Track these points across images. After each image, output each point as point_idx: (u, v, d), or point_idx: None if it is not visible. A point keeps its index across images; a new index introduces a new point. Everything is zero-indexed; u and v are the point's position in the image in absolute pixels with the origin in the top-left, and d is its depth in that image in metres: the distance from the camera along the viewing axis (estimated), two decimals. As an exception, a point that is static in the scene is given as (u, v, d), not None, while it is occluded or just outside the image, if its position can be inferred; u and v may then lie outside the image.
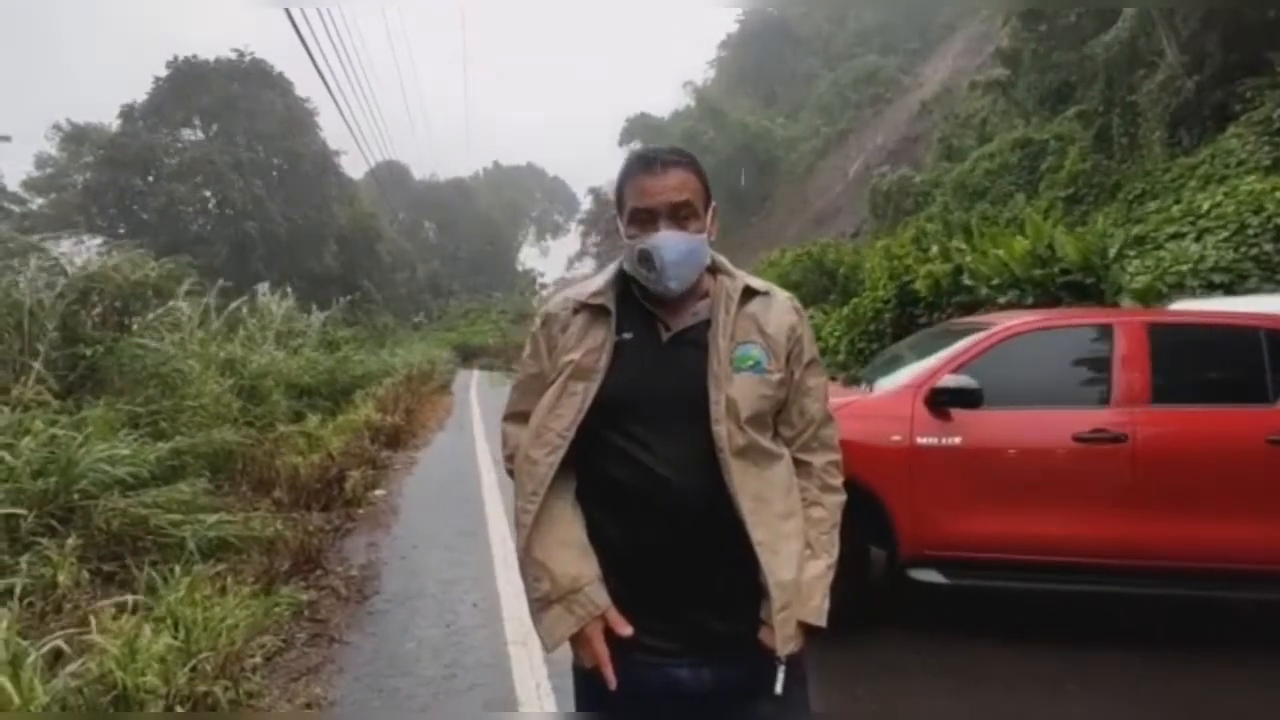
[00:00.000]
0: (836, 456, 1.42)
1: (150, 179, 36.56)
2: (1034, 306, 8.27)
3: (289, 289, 14.77)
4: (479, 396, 17.91)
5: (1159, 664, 3.23)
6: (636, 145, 53.99)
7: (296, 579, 4.20)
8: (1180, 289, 8.47)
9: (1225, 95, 13.47)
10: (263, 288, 13.39)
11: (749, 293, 1.37)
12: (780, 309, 1.38)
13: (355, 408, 10.38)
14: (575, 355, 1.33)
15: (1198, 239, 9.07)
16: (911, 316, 10.14)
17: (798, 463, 1.38)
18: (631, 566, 1.30)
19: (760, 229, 39.12)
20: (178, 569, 3.65)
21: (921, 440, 3.42)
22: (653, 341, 1.35)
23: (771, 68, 49.03)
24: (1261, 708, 2.93)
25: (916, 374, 3.66)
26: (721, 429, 1.26)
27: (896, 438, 3.44)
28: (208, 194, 37.81)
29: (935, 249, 10.50)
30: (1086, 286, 8.46)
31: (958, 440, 3.40)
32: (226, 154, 37.60)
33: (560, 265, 69.54)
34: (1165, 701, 2.96)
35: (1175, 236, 9.30)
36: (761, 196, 41.84)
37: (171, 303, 8.64)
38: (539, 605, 1.32)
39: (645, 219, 1.31)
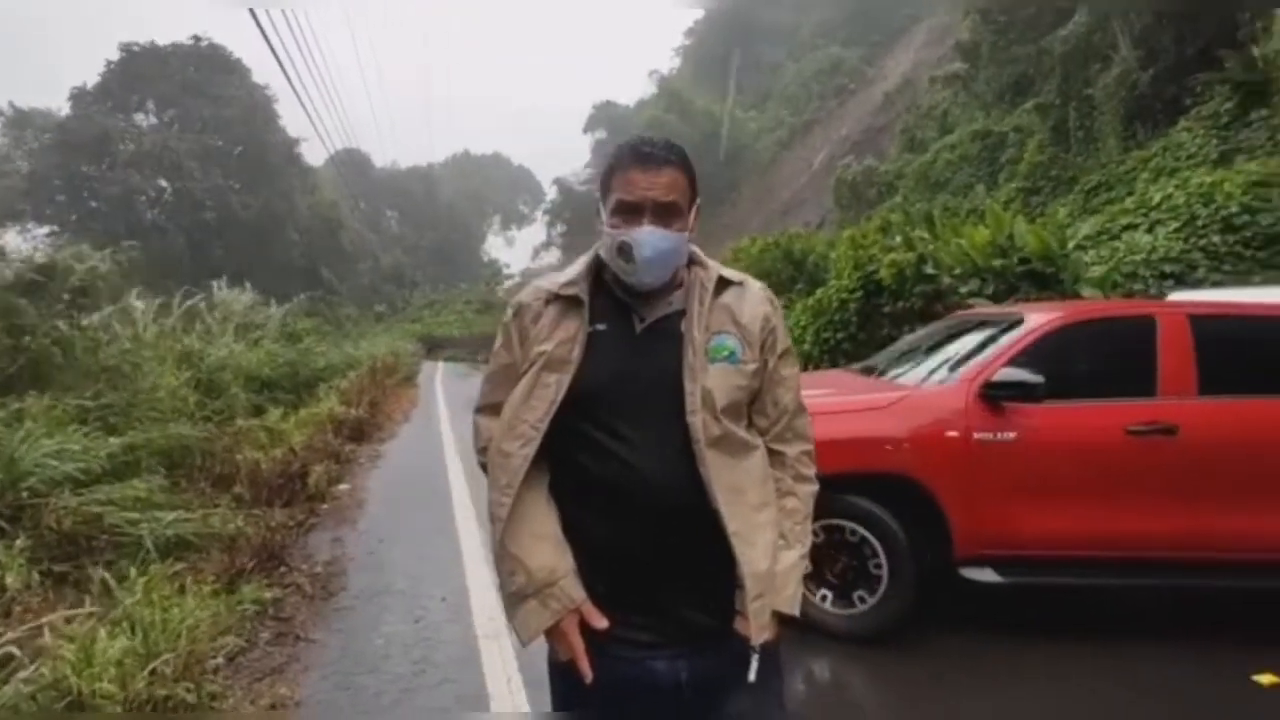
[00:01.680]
0: (809, 446, 1.42)
1: (104, 166, 35.31)
2: (994, 296, 8.43)
3: (248, 283, 14.42)
4: (444, 388, 17.73)
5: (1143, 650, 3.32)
6: (601, 134, 53.77)
7: (259, 576, 4.10)
8: (1134, 279, 8.72)
9: (1177, 90, 13.83)
10: (220, 283, 13.05)
11: (723, 283, 1.37)
12: (754, 299, 1.38)
13: (318, 401, 10.18)
14: (548, 346, 1.31)
15: (1149, 230, 9.33)
16: (876, 306, 10.27)
17: (771, 453, 1.38)
18: (607, 559, 1.29)
19: (726, 218, 39.24)
20: (133, 569, 3.55)
21: (978, 435, 3.35)
22: (626, 332, 1.34)
23: (737, 58, 49.06)
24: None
25: (967, 367, 3.56)
26: (697, 419, 1.25)
27: (952, 434, 3.36)
28: (164, 182, 36.66)
29: (899, 238, 10.64)
30: (1046, 276, 8.63)
31: (1013, 435, 3.35)
32: (184, 141, 36.48)
33: (526, 256, 69.05)
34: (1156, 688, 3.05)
35: (1129, 228, 9.56)
36: (727, 186, 41.94)
37: (128, 297, 8.40)
38: (514, 599, 1.30)
39: (630, 211, 1.29)
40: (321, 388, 11.26)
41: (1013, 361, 3.45)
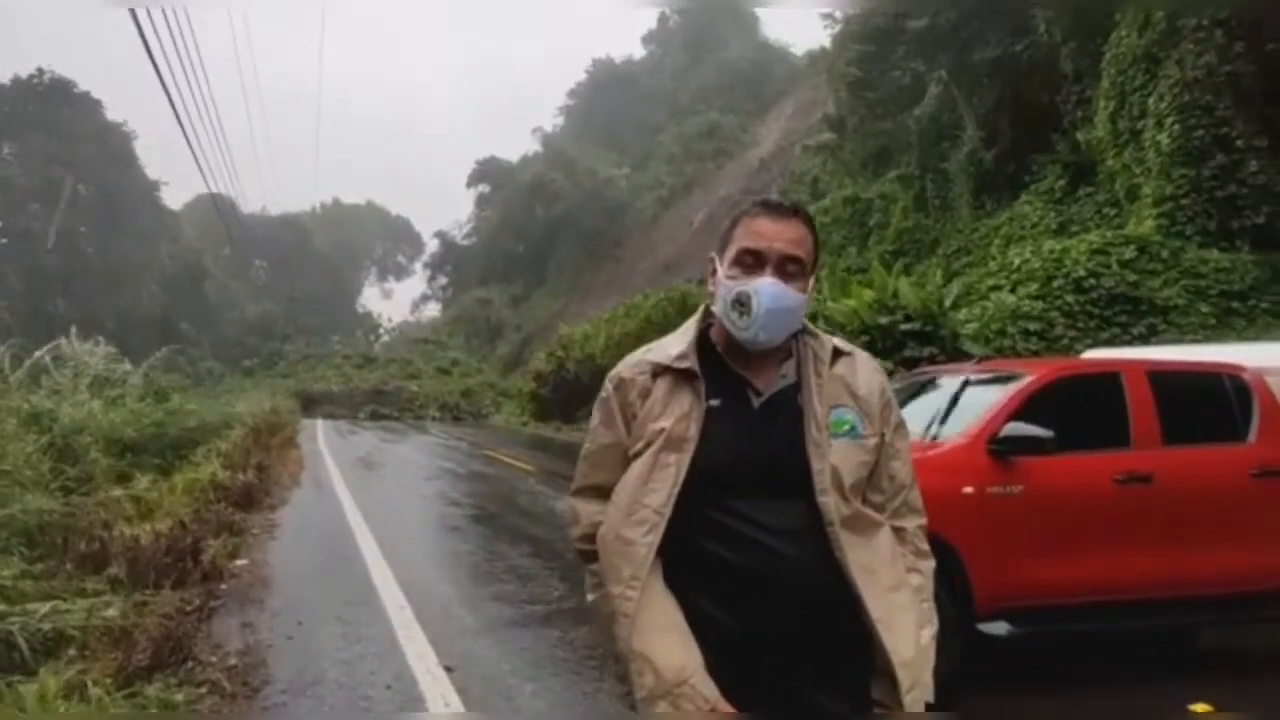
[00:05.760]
0: (923, 520, 1.37)
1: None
2: (881, 352, 9.03)
3: (101, 337, 13.09)
4: (329, 447, 16.67)
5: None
6: (485, 188, 53.50)
7: (163, 674, 3.63)
8: (1003, 335, 9.61)
9: (1016, 167, 15.63)
10: (70, 337, 11.75)
11: (835, 353, 1.32)
12: (866, 369, 1.34)
13: (195, 465, 9.29)
14: (665, 423, 1.24)
15: (1012, 291, 10.37)
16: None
17: (891, 529, 1.32)
18: (738, 649, 1.22)
19: (611, 273, 39.92)
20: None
21: (991, 490, 3.41)
22: (744, 408, 1.28)
23: (619, 119, 50.78)
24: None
25: (970, 423, 3.61)
26: (829, 500, 1.20)
27: (968, 489, 3.40)
28: (-3, 221, 33.00)
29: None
30: (927, 333, 9.35)
31: (1020, 489, 3.43)
32: (24, 178, 33.05)
33: (404, 309, 66.90)
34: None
35: (995, 288, 10.57)
36: (612, 242, 42.77)
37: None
38: (645, 702, 1.20)
39: (751, 262, 1.25)
40: (198, 450, 10.28)
41: (1012, 417, 3.55)
